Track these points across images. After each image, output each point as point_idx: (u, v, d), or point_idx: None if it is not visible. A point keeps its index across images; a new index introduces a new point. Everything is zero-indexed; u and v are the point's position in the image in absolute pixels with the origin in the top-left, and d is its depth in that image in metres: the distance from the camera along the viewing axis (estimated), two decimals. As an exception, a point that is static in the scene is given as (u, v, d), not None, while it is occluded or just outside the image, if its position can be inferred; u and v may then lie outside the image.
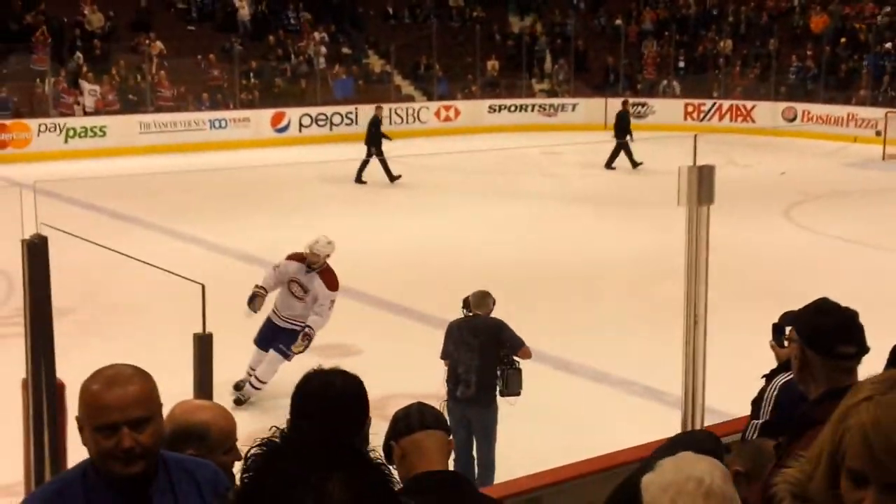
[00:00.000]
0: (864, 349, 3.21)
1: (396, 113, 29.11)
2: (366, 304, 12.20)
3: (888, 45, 28.97)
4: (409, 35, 31.81)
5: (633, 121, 28.47)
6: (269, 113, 27.55)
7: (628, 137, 21.84)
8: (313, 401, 3.00)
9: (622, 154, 22.29)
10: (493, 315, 7.37)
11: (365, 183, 20.90)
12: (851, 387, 3.03)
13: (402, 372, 8.81)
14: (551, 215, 17.51)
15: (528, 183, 20.91)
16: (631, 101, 29.72)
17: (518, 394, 7.07)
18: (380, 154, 21.00)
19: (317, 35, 30.62)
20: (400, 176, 20.98)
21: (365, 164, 20.97)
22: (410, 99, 30.69)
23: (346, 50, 31.10)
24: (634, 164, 22.05)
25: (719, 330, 6.16)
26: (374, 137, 21.22)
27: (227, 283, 10.26)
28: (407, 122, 29.19)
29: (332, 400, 2.99)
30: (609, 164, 22.25)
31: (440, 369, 7.47)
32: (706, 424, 5.61)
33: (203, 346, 4.88)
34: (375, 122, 21.59)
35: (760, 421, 4.11)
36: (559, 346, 8.09)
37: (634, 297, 11.92)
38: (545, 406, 7.70)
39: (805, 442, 2.94)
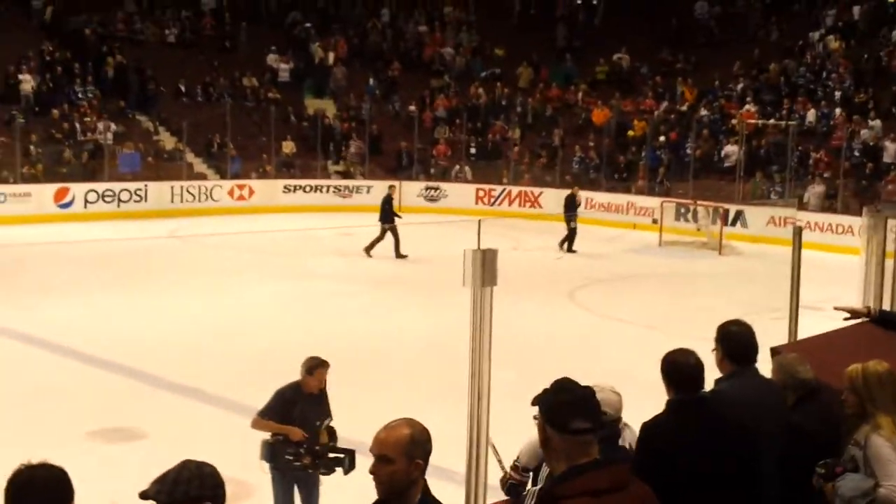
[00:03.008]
0: (599, 425, 3.33)
1: (188, 191, 28.66)
2: (153, 386, 11.83)
3: (662, 138, 30.84)
4: (201, 113, 31.47)
5: (426, 204, 29.15)
6: (52, 188, 26.54)
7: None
8: (16, 493, 3.12)
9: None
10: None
11: (371, 257, 21.60)
12: (592, 462, 3.18)
13: (189, 456, 8.50)
14: (343, 296, 17.54)
15: (321, 264, 20.90)
16: (422, 185, 30.48)
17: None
18: (393, 230, 21.65)
19: (105, 111, 29.84)
20: (407, 255, 21.57)
21: (378, 240, 21.62)
22: (203, 177, 30.26)
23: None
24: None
25: (512, 409, 6.31)
26: (387, 214, 21.87)
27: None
28: (199, 199, 28.75)
29: (32, 491, 3.11)
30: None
31: (231, 447, 7.30)
32: (489, 502, 5.69)
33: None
34: (388, 200, 22.25)
35: (537, 487, 4.21)
36: (346, 426, 8.05)
37: (425, 376, 12.04)
38: (337, 483, 7.61)
39: None
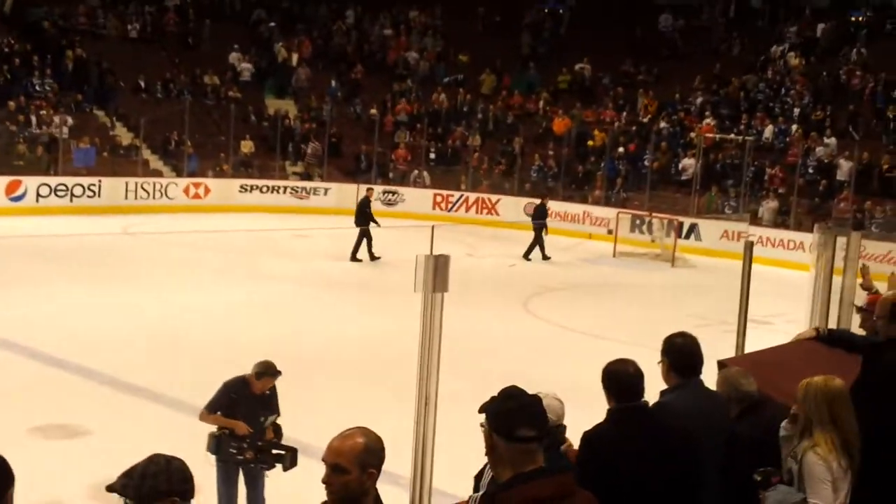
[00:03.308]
0: (544, 433, 3.33)
1: (143, 188, 28.36)
2: (97, 383, 11.70)
3: (621, 149, 31.04)
4: (160, 110, 31.18)
5: (383, 208, 29.08)
6: (3, 180, 26.14)
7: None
8: None
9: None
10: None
11: (372, 259, 21.74)
12: (537, 470, 3.18)
13: (136, 454, 8.38)
14: (295, 298, 17.45)
15: (275, 265, 20.78)
16: (380, 188, 30.40)
17: None
18: (367, 233, 21.72)
19: (62, 102, 29.47)
20: (380, 257, 21.66)
21: (360, 242, 21.74)
22: (158, 174, 29.98)
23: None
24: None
25: (462, 416, 6.30)
26: (364, 217, 21.94)
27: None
28: (154, 197, 28.47)
29: None
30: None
31: (176, 445, 7.19)
32: (434, 505, 5.69)
33: None
34: (366, 203, 22.36)
35: (479, 493, 4.21)
36: (293, 428, 8.02)
37: (375, 381, 12.00)
38: (284, 480, 7.56)
39: None
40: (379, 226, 22.23)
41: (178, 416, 10.17)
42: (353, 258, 21.65)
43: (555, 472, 3.30)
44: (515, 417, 3.24)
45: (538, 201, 25.47)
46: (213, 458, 7.33)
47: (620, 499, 3.45)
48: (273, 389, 7.59)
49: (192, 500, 3.21)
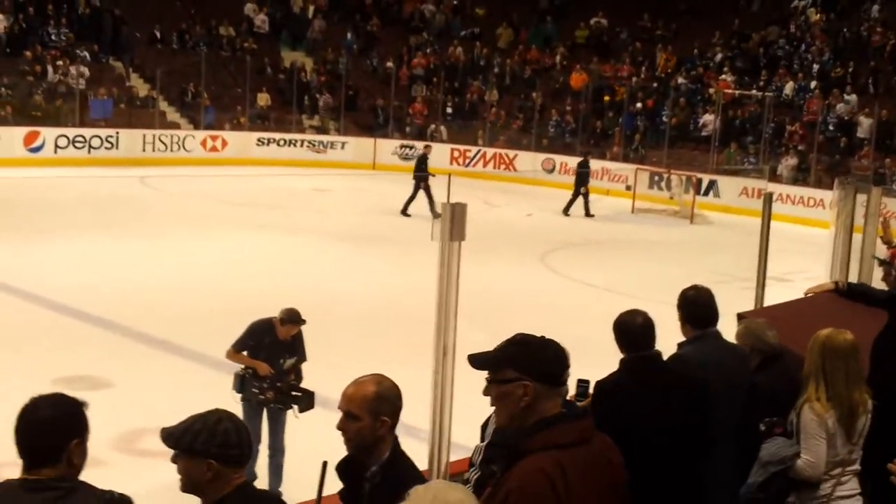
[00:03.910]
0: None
1: (160, 140, 28.37)
2: (120, 336, 11.75)
3: (639, 105, 30.81)
4: (176, 61, 31.09)
5: (401, 163, 29.04)
6: (22, 131, 26.18)
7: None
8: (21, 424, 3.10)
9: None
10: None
11: (409, 216, 21.45)
12: (559, 415, 3.16)
13: (157, 406, 8.45)
14: (314, 250, 17.47)
15: (295, 218, 20.79)
16: (397, 143, 30.35)
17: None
18: (427, 189, 21.68)
19: (78, 53, 29.40)
20: (440, 215, 20.90)
21: (412, 199, 21.63)
22: (176, 126, 29.97)
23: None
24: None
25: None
26: (422, 172, 22.04)
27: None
28: (171, 149, 28.48)
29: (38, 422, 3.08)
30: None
31: (197, 397, 7.26)
32: (452, 459, 5.69)
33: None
34: (424, 159, 22.45)
35: (485, 443, 4.21)
36: (313, 379, 8.06)
37: (395, 333, 12.03)
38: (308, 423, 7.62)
39: (517, 472, 3.03)
40: (434, 176, 21.97)
41: (199, 368, 10.24)
42: (434, 214, 21.55)
43: (574, 416, 3.29)
44: (558, 362, 3.19)
45: (578, 158, 25.50)
46: (238, 396, 7.60)
47: (632, 446, 3.45)
48: (299, 335, 7.85)
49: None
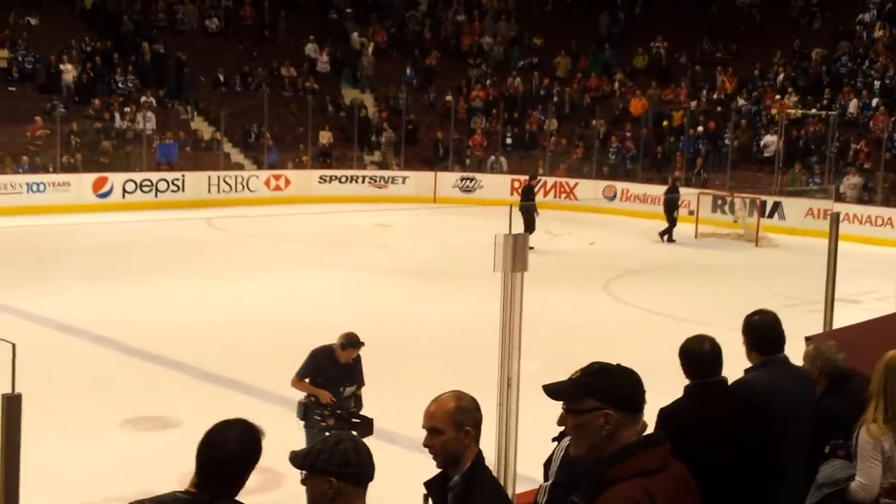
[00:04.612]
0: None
1: (225, 181, 28.80)
2: (187, 375, 11.91)
3: (700, 129, 30.58)
4: (239, 103, 31.62)
5: (462, 195, 29.15)
6: (91, 177, 26.79)
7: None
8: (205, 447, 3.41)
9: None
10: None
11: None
12: (637, 443, 3.14)
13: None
14: (377, 285, 17.56)
15: (357, 253, 20.94)
16: (457, 175, 30.54)
17: None
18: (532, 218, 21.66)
19: (144, 99, 30.06)
20: (532, 247, 21.59)
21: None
22: (240, 167, 30.42)
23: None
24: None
25: (540, 398, 6.29)
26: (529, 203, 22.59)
27: (39, 349, 9.85)
28: (236, 190, 28.90)
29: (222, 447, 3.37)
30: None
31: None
32: (518, 491, 5.66)
33: (11, 407, 4.64)
34: (530, 189, 23.48)
35: (549, 482, 4.19)
36: (382, 413, 8.12)
37: (456, 365, 12.01)
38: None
39: (604, 502, 3.01)
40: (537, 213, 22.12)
41: (267, 407, 10.32)
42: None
43: (653, 443, 3.26)
44: (636, 389, 3.18)
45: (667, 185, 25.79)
46: (301, 423, 7.85)
47: (695, 474, 3.42)
48: (358, 360, 8.04)
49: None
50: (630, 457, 3.08)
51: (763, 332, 4.84)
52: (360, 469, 3.25)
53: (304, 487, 3.26)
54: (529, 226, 20.49)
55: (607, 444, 3.13)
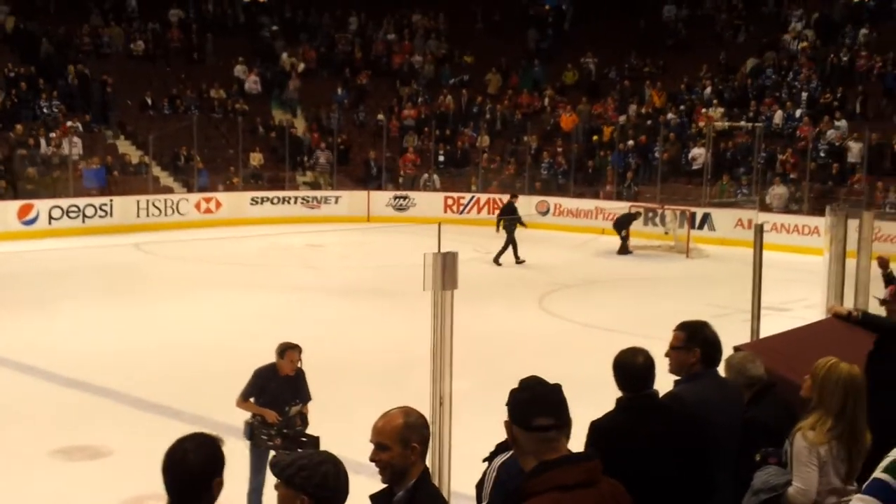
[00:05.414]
0: (564, 421, 3.30)
1: (154, 205, 28.41)
2: (117, 402, 11.67)
3: (630, 142, 30.93)
4: (168, 126, 31.25)
5: (395, 213, 29.11)
6: (16, 204, 26.23)
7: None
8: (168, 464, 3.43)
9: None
10: None
11: (523, 261, 22.26)
12: (562, 458, 3.16)
13: (155, 473, 8.36)
14: (310, 306, 17.42)
15: (290, 275, 20.76)
16: (390, 194, 30.50)
17: None
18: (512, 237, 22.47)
19: (70, 124, 29.55)
20: (524, 261, 22.19)
21: (506, 249, 22.28)
22: (169, 191, 30.04)
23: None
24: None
25: (474, 417, 6.25)
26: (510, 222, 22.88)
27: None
28: (166, 214, 28.51)
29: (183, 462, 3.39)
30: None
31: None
32: (453, 508, 5.62)
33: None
34: (511, 208, 23.39)
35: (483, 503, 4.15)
36: (317, 433, 8.04)
37: (389, 385, 11.94)
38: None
39: None
40: (524, 226, 23.06)
41: (199, 430, 10.14)
42: (517, 260, 22.31)
43: (581, 459, 3.29)
44: (531, 407, 3.26)
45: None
46: (248, 444, 7.80)
47: (628, 487, 3.42)
48: (301, 374, 7.96)
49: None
50: (547, 471, 3.11)
51: (715, 345, 4.90)
52: (336, 493, 3.27)
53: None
54: (511, 243, 21.89)
55: (520, 457, 3.31)
